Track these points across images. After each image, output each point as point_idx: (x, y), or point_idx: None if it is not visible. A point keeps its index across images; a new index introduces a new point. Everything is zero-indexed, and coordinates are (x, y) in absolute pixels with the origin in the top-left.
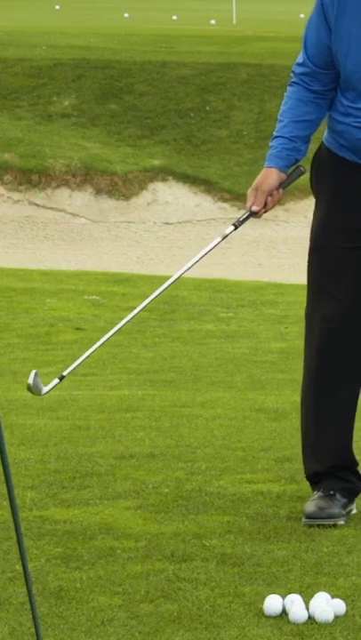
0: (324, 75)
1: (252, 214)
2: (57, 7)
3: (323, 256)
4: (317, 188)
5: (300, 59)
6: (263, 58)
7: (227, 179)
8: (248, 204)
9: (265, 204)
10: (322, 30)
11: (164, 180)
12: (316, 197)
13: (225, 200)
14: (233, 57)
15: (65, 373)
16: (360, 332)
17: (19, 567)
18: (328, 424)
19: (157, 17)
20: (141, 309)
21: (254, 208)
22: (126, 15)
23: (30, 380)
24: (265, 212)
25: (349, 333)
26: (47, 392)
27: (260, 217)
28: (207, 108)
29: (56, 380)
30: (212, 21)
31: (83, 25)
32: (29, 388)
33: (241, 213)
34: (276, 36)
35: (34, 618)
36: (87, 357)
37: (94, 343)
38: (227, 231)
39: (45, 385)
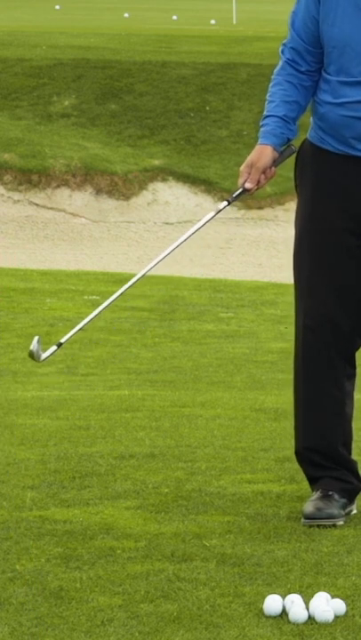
0: (310, 53)
1: (245, 191)
2: (57, 7)
3: (308, 255)
4: (301, 186)
5: (287, 39)
6: (263, 58)
7: (227, 179)
8: (241, 181)
9: (258, 181)
10: (310, 2)
11: (164, 180)
12: (298, 197)
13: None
14: (233, 57)
15: (63, 340)
16: (343, 333)
17: (19, 567)
18: (315, 422)
19: (157, 17)
20: (143, 275)
21: (248, 185)
22: (126, 15)
23: (33, 347)
24: (257, 189)
25: (331, 333)
26: (45, 359)
27: (252, 194)
28: (207, 108)
29: (54, 347)
30: (212, 21)
31: (83, 25)
32: (31, 354)
33: (242, 214)
34: (276, 36)
35: None
36: (86, 324)
37: (94, 343)
38: (220, 206)
39: (44, 351)
